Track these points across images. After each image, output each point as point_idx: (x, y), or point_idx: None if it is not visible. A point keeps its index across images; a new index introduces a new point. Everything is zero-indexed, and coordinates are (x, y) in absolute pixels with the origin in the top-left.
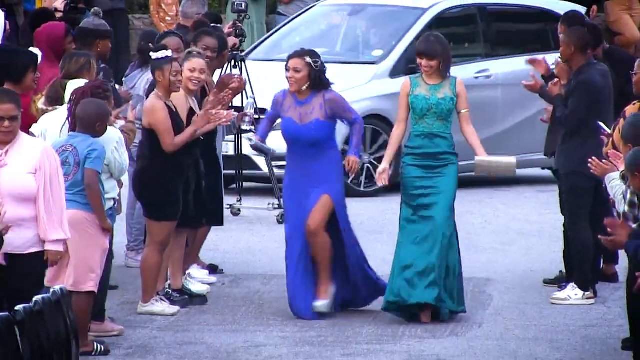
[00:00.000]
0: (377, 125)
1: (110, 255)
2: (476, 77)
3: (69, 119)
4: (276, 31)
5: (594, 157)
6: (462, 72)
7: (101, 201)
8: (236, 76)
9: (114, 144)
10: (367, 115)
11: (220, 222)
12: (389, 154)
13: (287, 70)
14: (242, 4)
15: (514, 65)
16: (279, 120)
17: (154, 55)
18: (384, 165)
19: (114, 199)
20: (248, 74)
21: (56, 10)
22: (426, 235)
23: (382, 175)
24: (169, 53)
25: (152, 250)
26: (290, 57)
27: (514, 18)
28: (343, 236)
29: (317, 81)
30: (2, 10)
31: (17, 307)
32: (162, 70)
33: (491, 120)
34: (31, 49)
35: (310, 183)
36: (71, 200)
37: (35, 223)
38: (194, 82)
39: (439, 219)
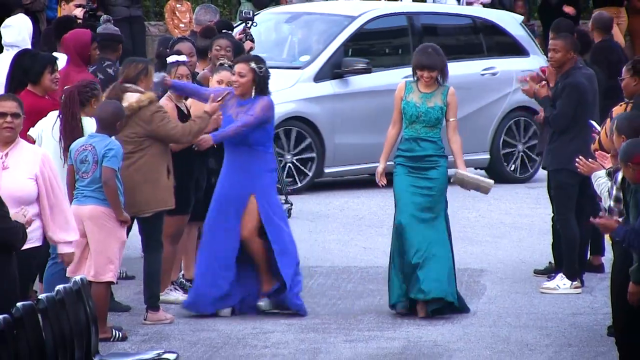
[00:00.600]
0: (300, 127)
1: (160, 247)
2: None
3: (60, 117)
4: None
5: (581, 157)
6: (390, 77)
7: (118, 197)
8: None
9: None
10: (291, 117)
11: None
12: (384, 155)
13: (233, 74)
14: (249, 12)
15: None
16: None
17: (168, 59)
18: (381, 165)
19: None
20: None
21: (75, 17)
22: (422, 236)
23: (380, 177)
24: (180, 58)
25: (165, 243)
26: (236, 62)
27: (444, 26)
28: (268, 234)
29: (261, 86)
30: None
31: (40, 296)
32: (170, 74)
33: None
34: (57, 54)
35: (238, 184)
36: (90, 196)
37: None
38: None
39: (435, 218)
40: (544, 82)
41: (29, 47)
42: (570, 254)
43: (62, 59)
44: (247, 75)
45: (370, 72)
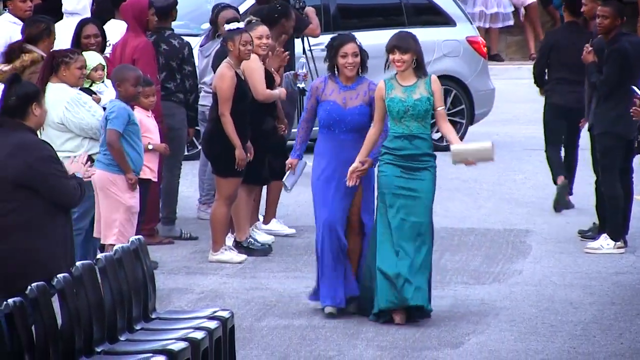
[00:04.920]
0: None
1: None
2: (310, 50)
3: (40, 78)
4: None
5: (635, 101)
6: (298, 45)
7: (123, 158)
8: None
9: (65, 103)
10: None
11: (271, 179)
12: (363, 153)
13: (345, 55)
14: None
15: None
16: None
17: (226, 27)
18: (356, 164)
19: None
20: (309, 42)
21: None
22: (407, 239)
23: (354, 173)
24: (240, 25)
25: (220, 205)
26: (345, 42)
27: None
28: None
29: (364, 65)
30: None
31: (99, 255)
32: (233, 41)
33: None
34: (115, 21)
35: (342, 176)
36: (99, 161)
37: None
38: (263, 47)
39: (421, 223)
40: (590, 49)
41: (89, 15)
42: (614, 215)
43: (120, 27)
44: (357, 54)
45: None
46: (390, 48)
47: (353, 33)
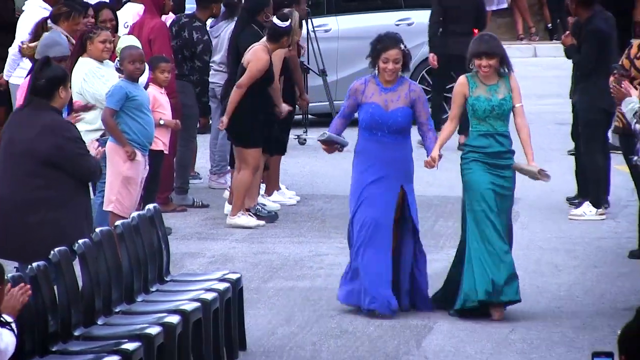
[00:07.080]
0: None
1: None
2: (313, 30)
3: (71, 55)
4: None
5: (614, 84)
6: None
7: (117, 131)
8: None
9: (83, 75)
10: None
11: (284, 151)
12: (437, 148)
13: (386, 61)
14: None
15: (355, 22)
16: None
17: (280, 23)
18: (435, 153)
19: (100, 129)
20: (315, 30)
21: None
22: (500, 233)
23: (433, 161)
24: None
25: (247, 174)
26: (389, 48)
27: None
28: (410, 235)
29: (406, 66)
30: None
31: (117, 223)
32: (289, 35)
33: (329, 69)
34: (132, 4)
35: (386, 175)
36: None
37: None
38: None
39: (505, 217)
40: (567, 32)
41: None
42: (595, 184)
43: (135, 8)
44: (399, 60)
45: None
46: (478, 54)
47: (355, 15)
